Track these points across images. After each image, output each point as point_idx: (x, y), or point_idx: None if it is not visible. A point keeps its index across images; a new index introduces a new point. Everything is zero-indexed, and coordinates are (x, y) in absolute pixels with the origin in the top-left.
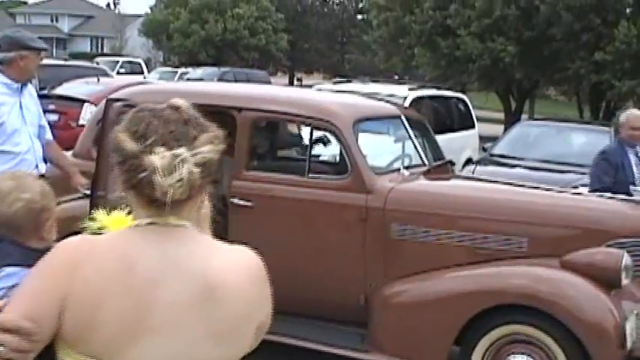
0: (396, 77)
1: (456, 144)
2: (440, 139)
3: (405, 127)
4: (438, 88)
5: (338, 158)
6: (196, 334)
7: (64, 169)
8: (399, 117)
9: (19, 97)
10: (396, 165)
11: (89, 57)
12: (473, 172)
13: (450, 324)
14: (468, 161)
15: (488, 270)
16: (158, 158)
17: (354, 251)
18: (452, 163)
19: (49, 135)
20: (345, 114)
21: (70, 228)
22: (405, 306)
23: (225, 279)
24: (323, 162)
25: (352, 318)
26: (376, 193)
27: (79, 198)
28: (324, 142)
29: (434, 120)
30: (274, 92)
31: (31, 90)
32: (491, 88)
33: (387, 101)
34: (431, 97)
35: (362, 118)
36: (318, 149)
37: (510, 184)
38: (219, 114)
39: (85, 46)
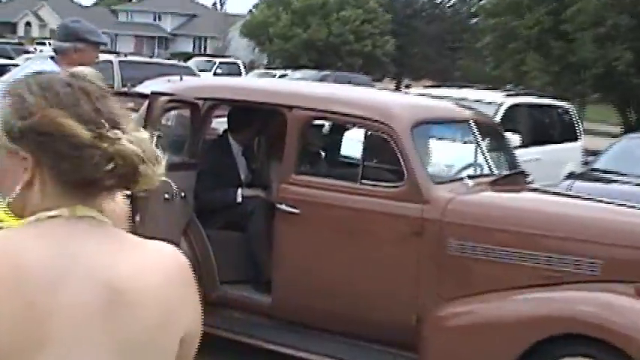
0: (508, 87)
1: (557, 157)
2: (539, 150)
3: (474, 133)
4: (540, 96)
5: (393, 164)
6: (102, 346)
7: None
8: (467, 121)
9: None
10: (460, 174)
11: (190, 57)
12: (570, 188)
13: (509, 352)
14: (570, 176)
15: (555, 294)
16: (135, 143)
17: (406, 267)
18: (524, 174)
19: None
20: (403, 116)
21: None
22: (461, 329)
23: (138, 281)
24: (377, 168)
25: (401, 340)
26: (433, 204)
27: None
28: (380, 145)
29: (532, 130)
30: (329, 90)
31: None
32: (607, 99)
33: (463, 105)
34: (530, 106)
35: (423, 121)
36: (372, 153)
37: (591, 199)
38: (269, 112)
39: (187, 45)
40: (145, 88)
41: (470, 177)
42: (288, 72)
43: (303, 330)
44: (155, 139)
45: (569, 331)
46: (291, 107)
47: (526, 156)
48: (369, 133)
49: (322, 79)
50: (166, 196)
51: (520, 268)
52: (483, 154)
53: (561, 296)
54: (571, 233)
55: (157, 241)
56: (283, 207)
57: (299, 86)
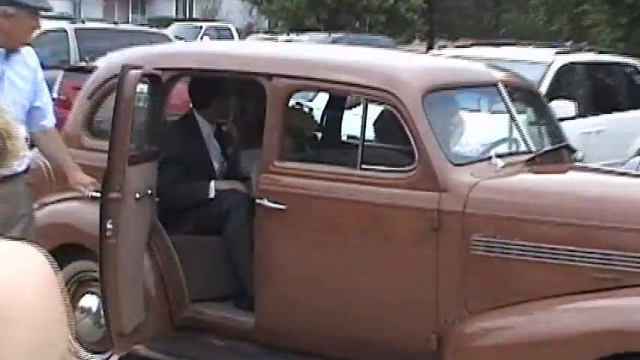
0: (567, 44)
1: (625, 128)
2: (601, 120)
3: (504, 99)
4: (601, 53)
5: (402, 143)
6: None
7: (60, 164)
8: (495, 85)
9: (3, 66)
10: (486, 152)
11: (171, 23)
12: (638, 167)
13: None
14: None
15: (614, 302)
16: None
17: (421, 273)
18: (570, 150)
19: (47, 120)
20: (412, 81)
21: (62, 237)
22: (494, 350)
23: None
24: (382, 149)
25: None
26: (453, 192)
27: (74, 198)
28: (384, 120)
29: (593, 95)
30: (318, 53)
31: (28, 59)
32: None
33: (490, 65)
34: (589, 65)
35: (437, 87)
36: (375, 131)
37: None
38: (245, 83)
39: (169, 8)
40: (107, 61)
41: (499, 156)
42: (293, 36)
43: (294, 357)
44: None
45: (631, 350)
46: (270, 76)
47: (585, 128)
48: (370, 104)
49: (334, 43)
50: (137, 195)
51: (567, 269)
52: (517, 125)
53: (620, 304)
54: (633, 223)
55: (8, 241)
56: (265, 202)
57: (280, 49)
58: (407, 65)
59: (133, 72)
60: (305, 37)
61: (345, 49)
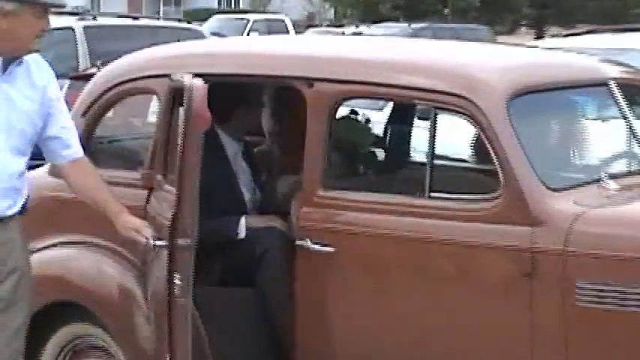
0: None
1: None
2: None
3: (617, 102)
4: None
5: (483, 163)
6: None
7: (99, 206)
8: (606, 84)
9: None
10: (595, 172)
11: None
12: None
13: None
14: None
15: None
16: None
17: (510, 331)
18: None
19: (72, 150)
20: (494, 83)
21: (54, 294)
22: None
23: None
24: (456, 171)
25: None
26: (550, 225)
27: (70, 244)
28: (458, 135)
29: None
30: (375, 50)
31: (34, 73)
32: None
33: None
34: None
35: (527, 89)
36: (446, 149)
37: None
38: (277, 91)
39: (210, 0)
40: (105, 68)
41: (612, 176)
42: (363, 28)
43: None
44: None
45: None
46: (310, 80)
47: None
48: (440, 115)
49: (415, 36)
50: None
51: None
52: (635, 135)
53: None
54: None
55: None
56: (308, 244)
57: (326, 45)
58: (488, 62)
59: (200, 84)
60: (378, 29)
61: (413, 42)
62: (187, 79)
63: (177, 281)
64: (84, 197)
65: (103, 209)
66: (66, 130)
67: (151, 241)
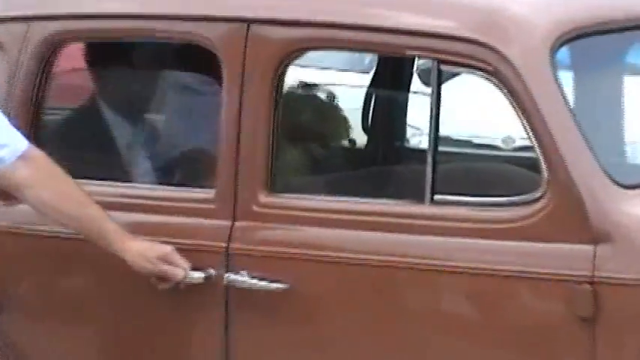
0: None
1: None
2: None
3: None
4: None
5: (512, 149)
6: None
7: (85, 227)
8: None
9: None
10: None
11: None
12: None
13: None
14: None
15: None
16: None
17: None
18: None
19: (9, 149)
20: (531, 23)
21: None
22: None
23: None
24: (473, 161)
25: None
26: (622, 242)
27: None
28: (476, 106)
29: None
30: None
31: None
32: None
33: None
34: None
35: (580, 32)
36: (458, 129)
37: None
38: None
39: None
40: None
41: None
42: None
43: None
44: None
45: None
46: (247, 22)
47: None
48: (450, 75)
49: None
50: None
51: None
52: None
53: None
54: None
55: None
56: (244, 279)
57: None
58: None
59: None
60: None
61: None
62: None
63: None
64: (54, 215)
65: (94, 232)
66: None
67: (187, 274)
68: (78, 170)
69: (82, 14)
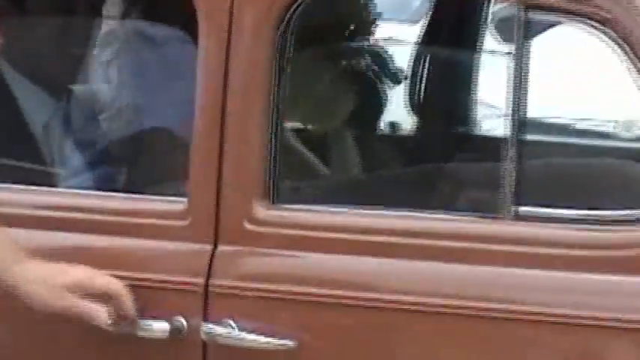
0: None
1: None
2: None
3: None
4: None
5: (633, 132)
6: None
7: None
8: None
9: None
10: None
11: None
12: None
13: None
14: None
15: None
16: None
17: None
18: None
19: None
20: None
21: None
22: None
23: None
24: (575, 154)
25: None
26: None
27: None
28: (577, 70)
29: None
30: None
31: None
32: None
33: None
34: None
35: None
36: (549, 103)
37: None
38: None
39: None
40: None
41: None
42: None
43: None
44: None
45: None
46: None
47: None
48: (543, 24)
49: None
50: None
51: None
52: None
53: None
54: None
55: None
56: (231, 332)
57: None
58: None
59: None
60: None
61: None
62: None
63: None
64: None
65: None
66: None
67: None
68: None
69: None
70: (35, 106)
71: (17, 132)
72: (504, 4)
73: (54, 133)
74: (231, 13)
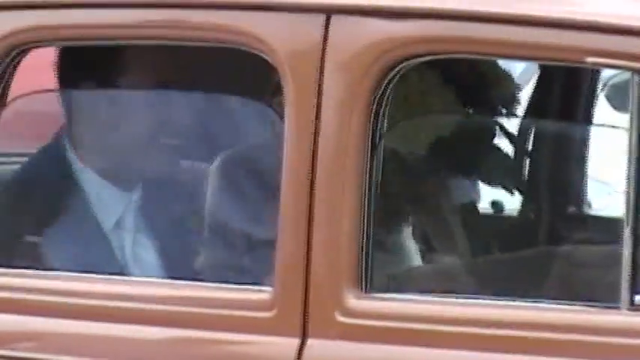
0: None
1: None
2: None
3: None
4: None
5: None
6: None
7: None
8: None
9: None
10: None
11: None
12: None
13: None
14: None
15: None
16: None
17: None
18: None
19: None
20: None
21: None
22: None
23: None
24: None
25: None
26: None
27: None
28: None
29: None
30: None
31: None
32: None
33: None
34: None
35: None
36: None
37: None
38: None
39: None
40: None
41: None
42: None
43: None
44: None
45: None
46: (326, 12)
47: None
48: None
49: None
50: None
51: None
52: None
53: None
54: None
55: None
56: None
57: None
58: None
59: None
60: None
61: None
62: None
63: None
64: None
65: None
66: None
67: None
68: (24, 256)
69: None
70: (109, 200)
71: (84, 228)
72: (617, 72)
73: (126, 229)
74: (319, 78)
